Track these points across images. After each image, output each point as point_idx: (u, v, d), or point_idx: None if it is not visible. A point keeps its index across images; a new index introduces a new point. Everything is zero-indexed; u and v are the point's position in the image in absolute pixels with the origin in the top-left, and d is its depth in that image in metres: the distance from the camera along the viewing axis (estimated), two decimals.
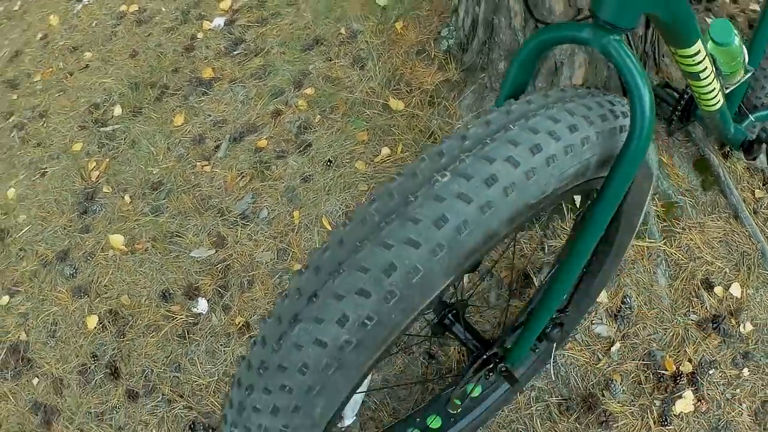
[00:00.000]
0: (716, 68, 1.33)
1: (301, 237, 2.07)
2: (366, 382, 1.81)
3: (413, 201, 0.80)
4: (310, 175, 2.19)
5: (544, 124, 0.86)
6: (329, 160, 2.19)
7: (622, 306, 1.78)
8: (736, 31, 1.33)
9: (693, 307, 1.80)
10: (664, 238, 1.86)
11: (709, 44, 1.33)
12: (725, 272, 1.83)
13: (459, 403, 1.54)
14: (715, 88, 1.31)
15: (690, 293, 1.81)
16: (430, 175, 0.82)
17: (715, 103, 1.36)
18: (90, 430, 1.88)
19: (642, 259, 1.83)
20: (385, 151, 2.17)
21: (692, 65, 1.19)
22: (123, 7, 3.03)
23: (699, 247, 1.85)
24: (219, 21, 2.76)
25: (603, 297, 1.79)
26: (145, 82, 2.67)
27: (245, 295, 1.99)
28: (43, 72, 2.94)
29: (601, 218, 1.00)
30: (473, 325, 1.35)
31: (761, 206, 1.92)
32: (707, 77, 1.25)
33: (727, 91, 1.43)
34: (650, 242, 1.84)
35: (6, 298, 2.23)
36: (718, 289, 1.81)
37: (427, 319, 1.34)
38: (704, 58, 1.18)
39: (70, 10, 3.19)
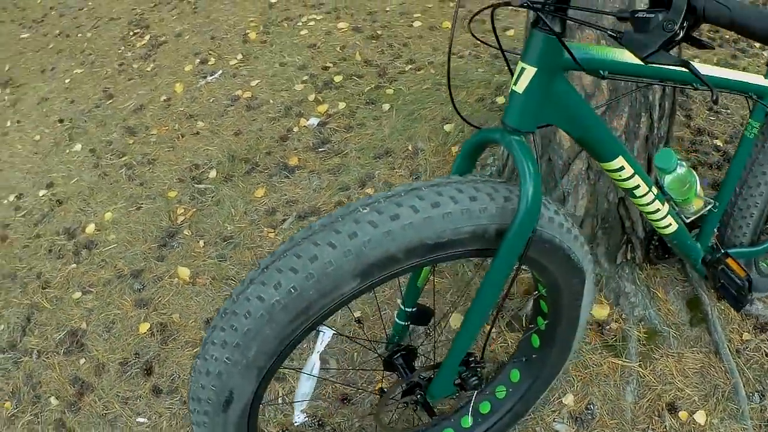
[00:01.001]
0: (664, 192, 1.63)
1: None
2: (316, 367, 2.23)
3: (340, 221, 1.20)
4: None
5: (449, 191, 1.21)
6: None
7: (586, 411, 2.02)
8: (681, 161, 1.62)
9: (653, 425, 2.00)
10: (640, 361, 2.10)
11: (656, 170, 1.65)
12: (693, 400, 2.03)
13: None
14: (659, 210, 1.57)
15: (653, 412, 2.02)
16: (356, 208, 1.20)
17: (666, 227, 1.63)
18: (113, 408, 2.27)
19: (614, 374, 2.08)
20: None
21: (620, 180, 1.45)
22: (239, 92, 3.63)
23: (672, 374, 2.07)
24: (314, 121, 3.30)
25: (569, 399, 2.05)
26: (241, 157, 3.20)
27: None
28: (159, 128, 3.53)
29: (494, 277, 1.28)
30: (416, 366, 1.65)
31: (746, 348, 2.11)
32: (644, 196, 1.50)
33: (689, 220, 1.72)
34: (625, 361, 2.09)
35: (78, 294, 2.71)
36: (682, 414, 2.00)
37: (381, 356, 1.69)
38: (632, 176, 1.43)
39: (194, 83, 3.83)
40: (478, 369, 1.55)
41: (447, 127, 2.98)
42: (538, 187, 1.21)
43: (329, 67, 3.67)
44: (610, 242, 2.15)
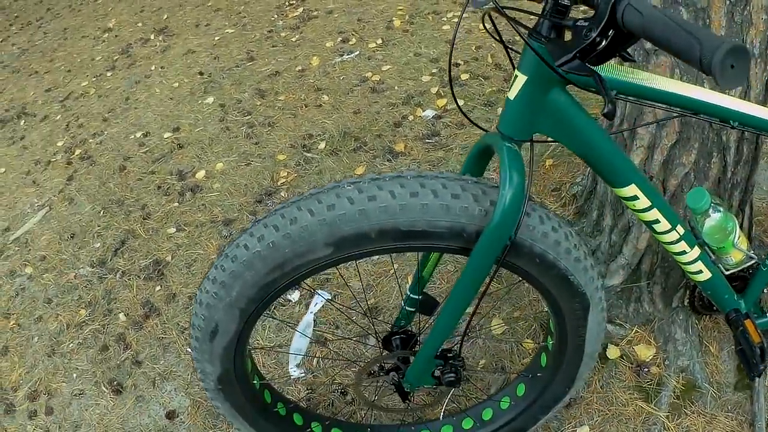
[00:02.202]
0: (697, 236, 1.58)
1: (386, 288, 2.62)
2: (309, 327, 2.40)
3: (325, 192, 1.29)
4: None
5: (433, 185, 1.28)
6: None
7: None
8: (718, 205, 1.57)
9: None
10: (669, 412, 2.05)
11: (688, 211, 1.61)
12: None
13: None
14: (686, 252, 1.52)
15: None
16: (343, 184, 1.30)
17: (696, 273, 1.58)
18: (171, 335, 2.53)
19: (637, 418, 2.04)
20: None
21: (636, 211, 1.41)
22: (369, 74, 3.83)
23: None
24: (429, 113, 3.44)
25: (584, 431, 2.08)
26: (352, 135, 3.38)
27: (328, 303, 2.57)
28: (287, 95, 3.79)
29: (469, 277, 1.34)
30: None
31: None
32: (666, 233, 1.45)
33: (728, 272, 1.66)
34: (654, 409, 2.04)
35: (173, 230, 3.00)
36: None
37: (379, 335, 1.82)
38: (649, 208, 1.39)
39: (330, 59, 4.07)
40: (457, 366, 1.61)
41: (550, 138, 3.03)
42: (518, 196, 1.24)
43: (459, 65, 3.79)
44: (667, 283, 2.12)
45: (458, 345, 1.62)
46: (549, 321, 1.73)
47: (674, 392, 2.07)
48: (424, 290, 1.79)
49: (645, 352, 2.16)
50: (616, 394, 2.08)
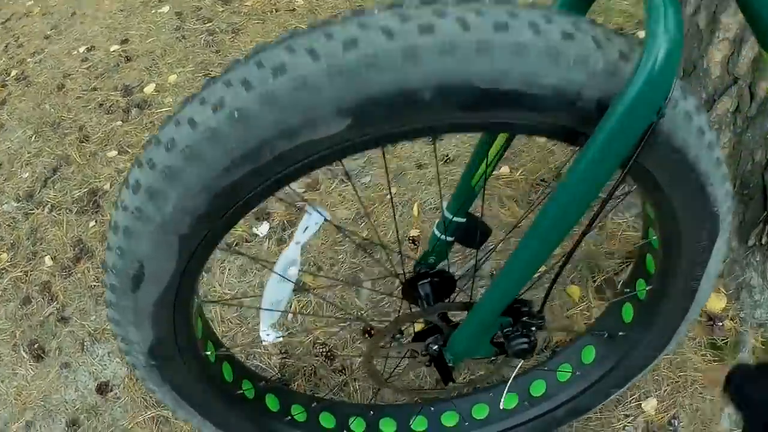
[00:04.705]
0: None
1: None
2: (293, 267, 1.66)
3: (340, 22, 0.70)
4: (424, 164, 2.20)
5: (530, 16, 0.70)
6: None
7: (668, 426, 1.52)
8: None
9: None
10: None
11: None
12: None
13: None
14: None
15: None
16: (374, 10, 0.71)
17: None
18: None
19: (715, 386, 1.55)
20: (504, 170, 2.14)
21: None
22: None
23: None
24: None
25: (650, 405, 1.54)
26: None
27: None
28: (254, 0, 3.19)
29: (580, 179, 0.78)
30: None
31: None
32: None
33: None
34: None
35: (114, 153, 2.45)
36: None
37: (401, 277, 1.16)
38: None
39: None
40: (532, 327, 1.01)
41: None
42: (676, 49, 0.69)
43: None
44: (745, 215, 1.61)
45: (542, 297, 1.00)
46: (645, 257, 1.15)
47: (754, 352, 1.60)
48: (469, 211, 1.16)
49: (716, 303, 1.67)
50: (688, 355, 1.59)
